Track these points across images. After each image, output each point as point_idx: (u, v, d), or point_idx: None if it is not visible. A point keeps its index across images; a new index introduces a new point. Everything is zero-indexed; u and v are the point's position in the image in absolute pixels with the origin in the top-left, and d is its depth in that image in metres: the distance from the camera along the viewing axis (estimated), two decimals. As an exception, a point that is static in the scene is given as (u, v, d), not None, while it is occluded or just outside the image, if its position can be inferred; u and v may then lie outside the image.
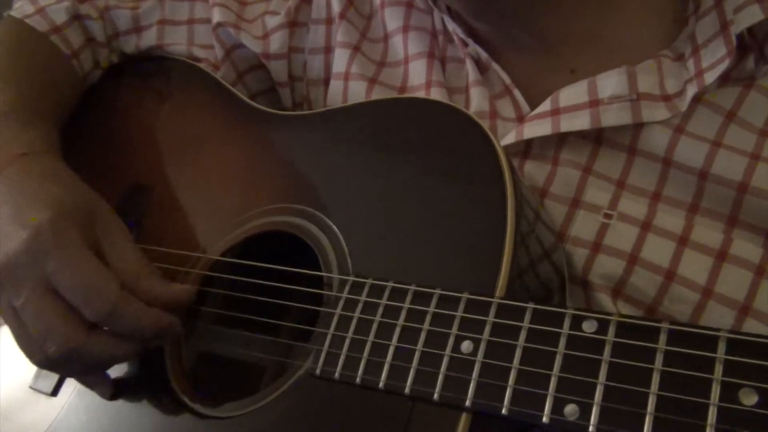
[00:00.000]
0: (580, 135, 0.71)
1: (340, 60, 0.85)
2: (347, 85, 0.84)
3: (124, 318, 0.64)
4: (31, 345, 0.66)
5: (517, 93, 0.76)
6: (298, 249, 0.67)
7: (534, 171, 0.71)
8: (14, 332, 0.67)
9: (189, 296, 0.71)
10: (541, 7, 0.71)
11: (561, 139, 0.71)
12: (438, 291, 0.57)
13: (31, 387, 0.76)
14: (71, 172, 0.76)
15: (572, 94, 0.71)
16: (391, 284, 0.59)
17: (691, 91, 0.68)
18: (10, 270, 0.65)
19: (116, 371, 0.71)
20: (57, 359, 0.64)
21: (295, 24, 0.89)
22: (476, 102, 0.76)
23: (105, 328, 0.65)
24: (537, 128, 0.71)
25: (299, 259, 0.66)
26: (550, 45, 0.74)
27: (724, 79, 0.68)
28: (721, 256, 0.65)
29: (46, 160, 0.76)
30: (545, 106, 0.72)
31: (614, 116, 0.69)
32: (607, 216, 0.68)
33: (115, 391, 0.70)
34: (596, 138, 0.70)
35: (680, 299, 0.65)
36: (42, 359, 0.66)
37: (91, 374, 0.71)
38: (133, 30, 0.94)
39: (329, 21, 0.88)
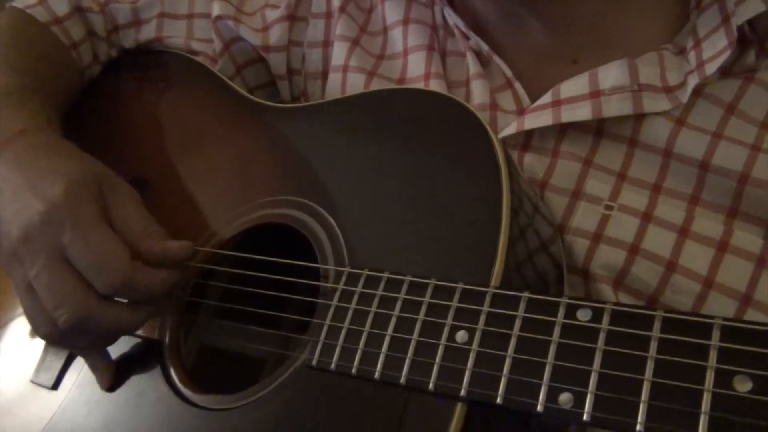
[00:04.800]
0: (581, 127, 0.70)
1: (338, 53, 0.85)
2: (345, 77, 0.84)
3: (135, 288, 0.65)
4: (41, 316, 0.67)
5: (518, 86, 0.76)
6: (296, 241, 0.67)
7: (533, 163, 0.71)
8: (26, 306, 0.68)
9: (186, 252, 0.70)
10: None
11: (561, 132, 0.71)
12: (433, 281, 0.56)
13: (31, 381, 0.76)
14: (72, 145, 0.76)
15: (573, 86, 0.71)
16: (386, 275, 0.59)
17: (693, 82, 0.67)
18: (28, 242, 0.67)
19: (116, 363, 0.72)
20: (67, 328, 0.65)
21: (294, 17, 0.89)
22: (477, 95, 0.76)
23: (117, 298, 0.66)
24: (538, 119, 0.71)
25: (297, 251, 0.66)
26: (555, 31, 0.74)
27: (725, 73, 0.68)
28: (723, 246, 0.65)
29: (46, 135, 0.77)
30: (546, 98, 0.72)
31: (615, 107, 0.68)
32: (608, 207, 0.68)
33: (115, 382, 0.71)
34: (597, 130, 0.70)
35: (682, 290, 0.65)
36: (51, 330, 0.67)
37: (94, 352, 0.71)
38: (132, 24, 0.94)
39: (329, 15, 0.88)
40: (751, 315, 0.63)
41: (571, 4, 0.72)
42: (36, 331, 0.68)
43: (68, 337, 0.67)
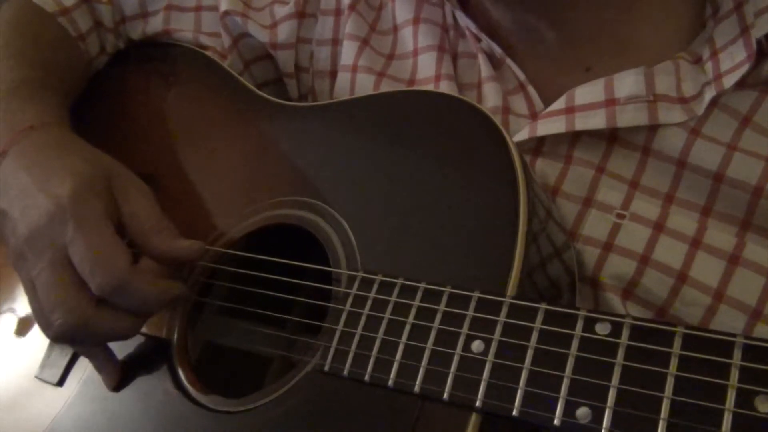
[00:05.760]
0: (594, 134, 0.70)
1: (347, 52, 0.84)
2: (354, 77, 0.83)
3: (130, 294, 0.65)
4: (41, 317, 0.66)
5: (531, 89, 0.75)
6: (306, 242, 0.67)
7: (545, 169, 0.71)
8: (30, 305, 0.68)
9: (197, 252, 0.70)
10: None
11: (574, 138, 0.71)
12: (448, 289, 0.56)
13: (36, 377, 0.76)
14: (82, 141, 0.76)
15: (588, 92, 0.70)
16: (401, 281, 0.59)
17: (709, 94, 0.67)
18: (34, 241, 0.66)
19: (123, 361, 0.71)
20: (60, 334, 0.65)
21: (303, 14, 0.88)
22: (489, 97, 0.76)
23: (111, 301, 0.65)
24: (551, 126, 0.70)
25: (307, 253, 0.66)
26: (568, 39, 0.73)
27: (741, 84, 0.67)
28: (734, 259, 0.64)
29: (56, 131, 0.76)
30: (560, 103, 0.71)
31: (630, 117, 0.68)
32: (620, 216, 0.67)
33: (121, 382, 0.70)
34: (610, 137, 0.70)
35: (692, 301, 0.65)
36: (49, 332, 0.66)
37: (98, 353, 0.71)
38: (140, 15, 0.94)
39: (338, 12, 0.87)
40: (761, 330, 0.63)
41: (585, 13, 0.71)
42: (42, 332, 0.67)
43: (65, 341, 0.68)
